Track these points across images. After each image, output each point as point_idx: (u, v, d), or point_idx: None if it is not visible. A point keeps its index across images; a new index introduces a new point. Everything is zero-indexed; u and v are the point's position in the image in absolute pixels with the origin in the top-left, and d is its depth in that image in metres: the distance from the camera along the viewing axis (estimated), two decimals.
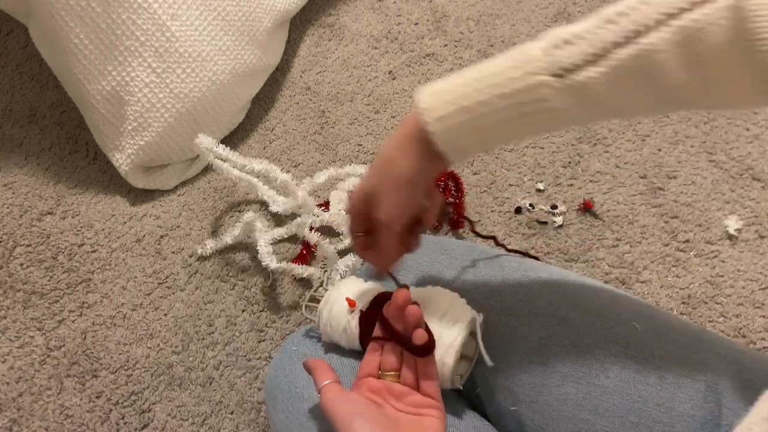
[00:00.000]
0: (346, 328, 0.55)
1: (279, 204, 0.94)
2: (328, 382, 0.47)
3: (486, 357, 0.50)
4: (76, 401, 0.85)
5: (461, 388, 0.53)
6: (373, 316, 0.53)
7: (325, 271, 0.84)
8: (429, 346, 0.47)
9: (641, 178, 1.01)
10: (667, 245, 0.95)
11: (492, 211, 1.00)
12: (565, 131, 1.07)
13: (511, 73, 0.42)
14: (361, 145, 1.09)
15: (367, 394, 0.48)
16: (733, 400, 0.47)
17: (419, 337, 0.47)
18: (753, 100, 0.40)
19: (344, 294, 0.57)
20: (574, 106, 0.41)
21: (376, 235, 0.51)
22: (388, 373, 0.49)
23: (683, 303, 0.89)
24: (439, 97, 0.44)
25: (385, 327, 0.49)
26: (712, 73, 0.38)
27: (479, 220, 0.98)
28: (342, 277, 0.86)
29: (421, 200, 0.49)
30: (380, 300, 0.54)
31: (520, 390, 0.53)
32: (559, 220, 0.97)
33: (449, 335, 0.50)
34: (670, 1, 0.38)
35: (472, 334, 0.52)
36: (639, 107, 0.43)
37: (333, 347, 0.58)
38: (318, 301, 0.59)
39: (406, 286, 0.52)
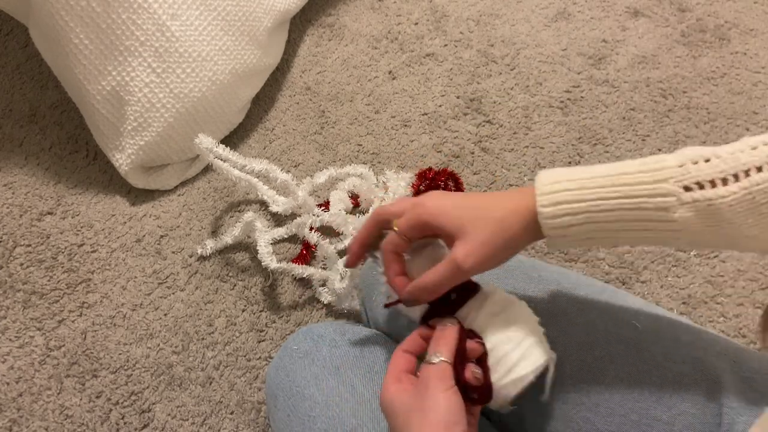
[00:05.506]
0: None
1: (279, 204, 0.94)
2: (444, 359, 0.44)
3: (546, 394, 0.48)
4: (76, 401, 0.85)
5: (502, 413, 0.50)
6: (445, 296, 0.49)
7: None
8: (486, 394, 0.45)
9: None
10: None
11: None
12: (566, 131, 1.08)
13: (640, 177, 0.42)
14: (361, 145, 1.09)
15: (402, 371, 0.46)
16: (734, 398, 0.47)
17: (476, 379, 0.45)
18: None
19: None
20: (695, 222, 0.41)
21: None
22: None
23: (683, 303, 0.89)
24: (561, 184, 0.44)
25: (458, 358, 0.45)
26: None
27: None
28: (342, 278, 0.86)
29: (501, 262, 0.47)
30: (469, 289, 0.50)
31: None
32: None
33: (524, 368, 0.46)
34: None
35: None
36: (764, 236, 0.41)
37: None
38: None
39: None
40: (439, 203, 0.47)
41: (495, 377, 0.46)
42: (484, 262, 0.45)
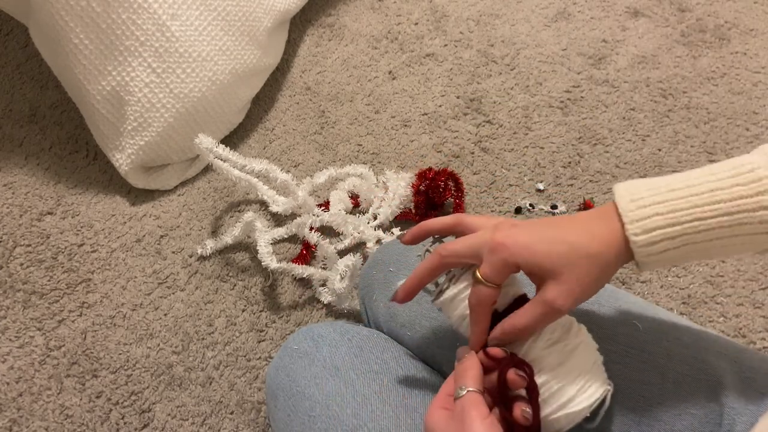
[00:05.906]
0: (465, 317, 0.48)
1: (279, 204, 0.94)
2: (473, 389, 0.42)
3: (596, 422, 0.46)
4: (76, 401, 0.85)
5: None
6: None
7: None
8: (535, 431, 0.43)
9: (641, 178, 1.01)
10: None
11: (492, 211, 1.00)
12: (566, 131, 1.08)
13: (738, 192, 0.40)
14: (361, 145, 1.09)
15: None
16: (735, 398, 0.47)
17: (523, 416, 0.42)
18: None
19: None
20: None
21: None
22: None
23: (683, 303, 0.89)
24: (650, 209, 0.41)
25: (501, 390, 0.43)
26: None
27: None
28: (342, 278, 0.86)
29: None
30: (520, 303, 0.47)
31: None
32: None
33: (579, 403, 0.44)
34: None
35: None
36: None
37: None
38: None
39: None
40: (521, 241, 0.43)
41: (547, 410, 0.44)
42: (580, 300, 0.43)
